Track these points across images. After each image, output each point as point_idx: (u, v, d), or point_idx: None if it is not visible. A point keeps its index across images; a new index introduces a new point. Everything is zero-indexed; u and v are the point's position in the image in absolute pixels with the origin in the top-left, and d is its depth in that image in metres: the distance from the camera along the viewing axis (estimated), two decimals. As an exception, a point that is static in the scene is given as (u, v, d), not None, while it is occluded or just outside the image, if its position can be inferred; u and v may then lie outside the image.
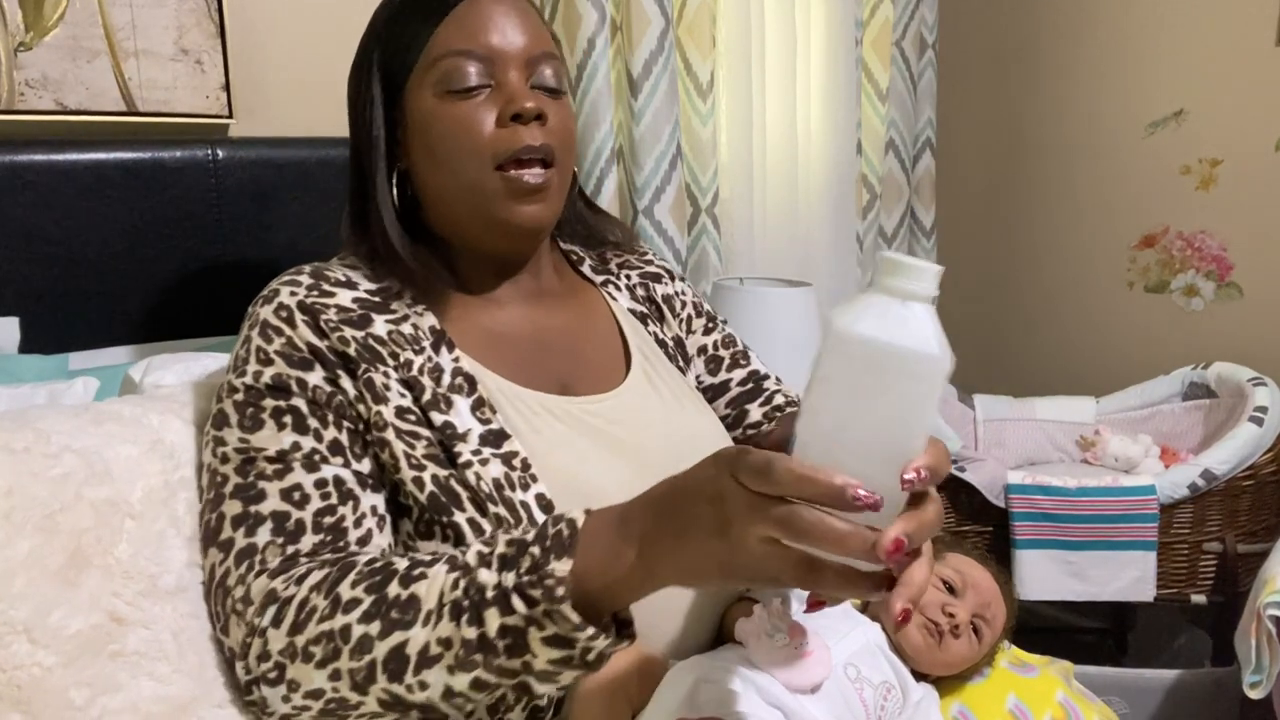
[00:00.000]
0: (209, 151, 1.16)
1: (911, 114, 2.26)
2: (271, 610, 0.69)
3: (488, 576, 0.63)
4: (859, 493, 0.51)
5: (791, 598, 1.03)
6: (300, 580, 0.70)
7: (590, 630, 0.61)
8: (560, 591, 0.60)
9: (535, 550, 0.62)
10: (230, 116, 1.25)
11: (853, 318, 0.53)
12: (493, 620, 0.62)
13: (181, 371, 0.97)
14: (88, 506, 0.75)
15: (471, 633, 0.62)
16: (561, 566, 0.61)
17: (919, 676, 1.00)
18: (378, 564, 0.70)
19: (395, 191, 0.87)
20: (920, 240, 2.35)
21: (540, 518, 0.76)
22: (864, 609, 1.08)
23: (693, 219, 1.77)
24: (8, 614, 0.69)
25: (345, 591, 0.67)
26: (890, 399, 0.54)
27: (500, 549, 0.64)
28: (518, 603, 0.61)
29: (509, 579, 0.62)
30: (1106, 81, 2.28)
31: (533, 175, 0.82)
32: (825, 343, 0.54)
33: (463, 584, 0.64)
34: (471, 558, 0.65)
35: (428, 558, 0.69)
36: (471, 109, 0.82)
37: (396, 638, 0.65)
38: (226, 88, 1.24)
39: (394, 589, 0.66)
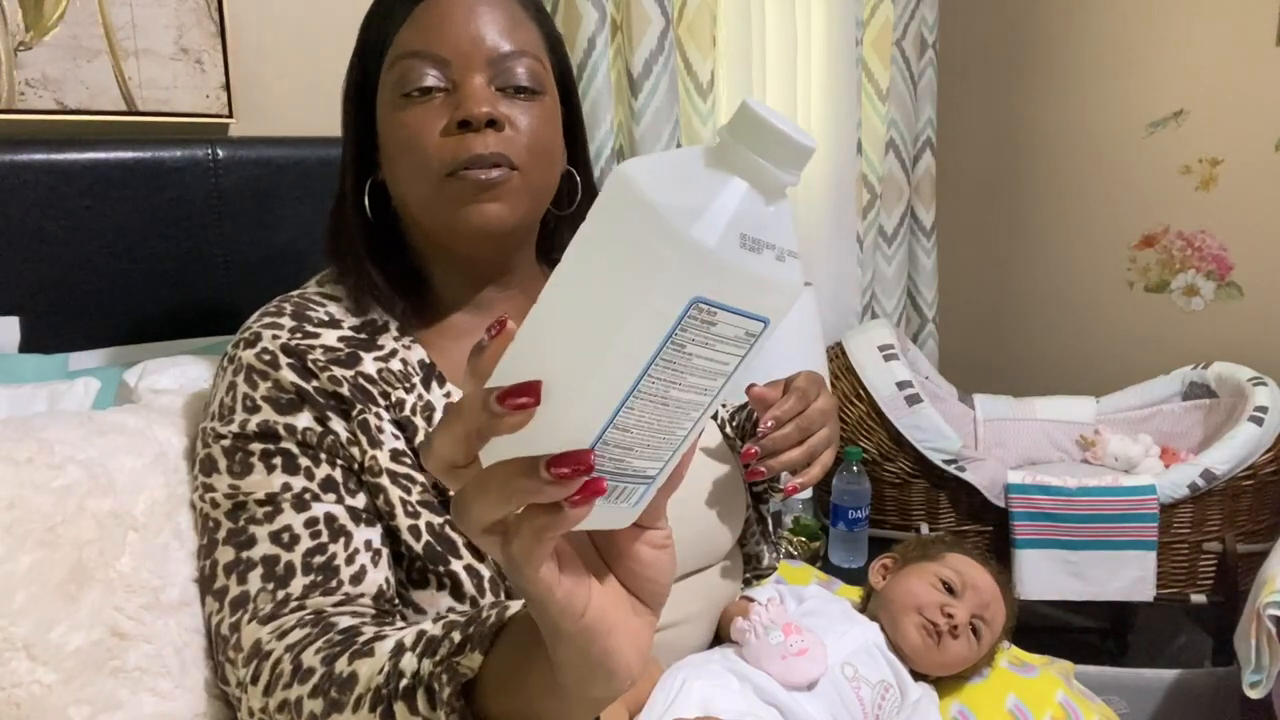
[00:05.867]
0: (209, 151, 1.16)
1: (911, 114, 2.26)
2: (254, 665, 0.67)
3: (408, 663, 0.56)
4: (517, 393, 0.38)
5: (788, 596, 1.04)
6: (283, 635, 0.67)
7: None
8: (447, 692, 0.52)
9: (456, 636, 0.54)
10: (230, 116, 1.25)
11: (714, 226, 0.36)
12: (401, 714, 0.55)
13: (178, 375, 0.97)
14: (90, 519, 0.75)
15: None
16: (470, 661, 0.52)
17: (918, 676, 1.00)
18: (351, 628, 0.66)
19: (368, 202, 0.84)
20: (920, 240, 2.35)
21: None
22: (863, 609, 1.08)
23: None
24: (8, 630, 0.68)
25: (307, 658, 0.64)
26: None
27: (432, 630, 0.57)
28: (422, 702, 0.53)
29: (426, 666, 0.55)
30: (1106, 81, 2.28)
31: (481, 174, 0.77)
32: (682, 246, 0.35)
33: (387, 668, 0.57)
34: (410, 637, 0.58)
35: (395, 628, 0.63)
36: (422, 115, 0.78)
37: None
38: (226, 87, 1.24)
39: (342, 664, 0.61)
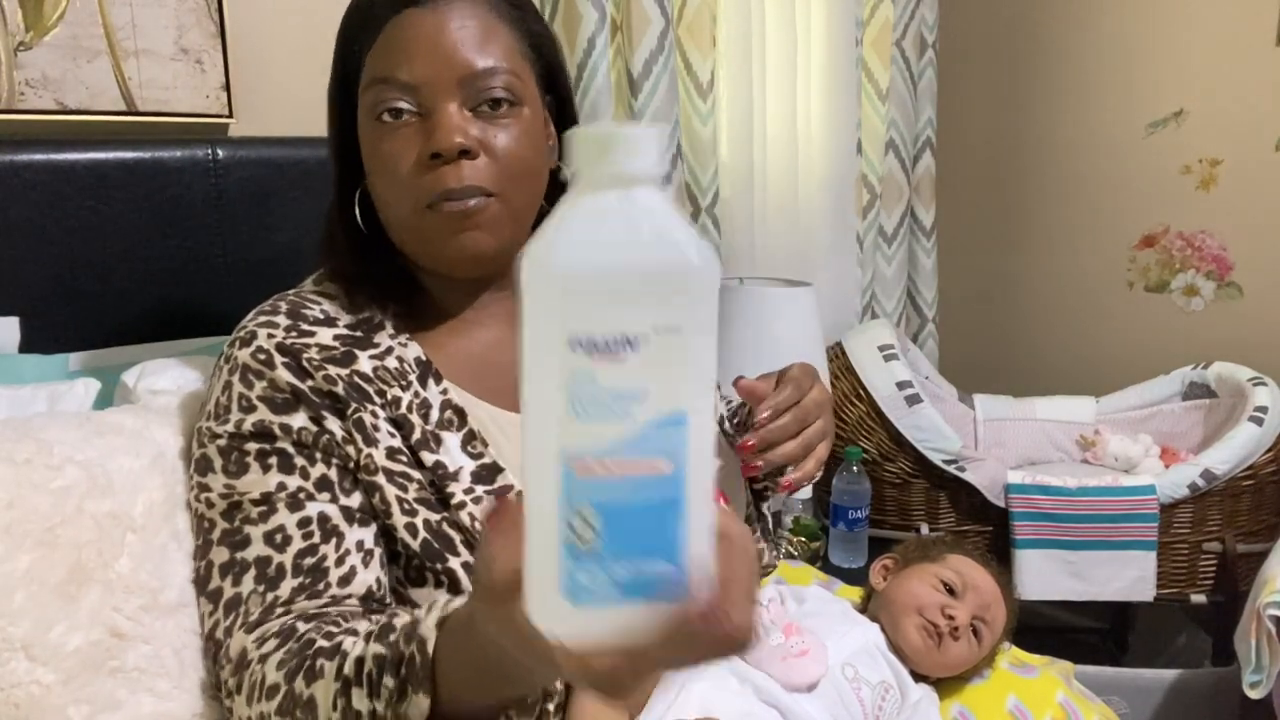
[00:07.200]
0: (209, 151, 1.16)
1: (911, 114, 2.26)
2: (239, 674, 0.68)
3: (361, 703, 0.60)
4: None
5: (788, 597, 1.04)
6: (261, 644, 0.68)
7: None
8: None
9: (390, 683, 0.58)
10: (230, 116, 1.25)
11: (561, 243, 0.37)
12: None
13: (176, 377, 0.96)
14: (89, 519, 0.75)
15: None
16: (417, 707, 0.57)
17: (919, 677, 1.00)
18: (304, 638, 0.66)
19: (358, 209, 0.84)
20: (920, 240, 2.35)
21: None
22: (864, 609, 1.08)
23: (693, 219, 1.77)
24: (7, 631, 0.68)
25: (270, 673, 0.65)
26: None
27: (369, 665, 0.60)
28: None
29: (379, 707, 0.59)
30: (1106, 81, 2.28)
31: (459, 205, 0.76)
32: (534, 297, 0.37)
33: (341, 705, 0.61)
34: (350, 669, 0.61)
35: (337, 638, 0.65)
36: (397, 143, 0.77)
37: None
38: (226, 88, 1.24)
39: (299, 685, 0.63)
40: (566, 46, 1.53)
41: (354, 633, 0.65)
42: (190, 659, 0.76)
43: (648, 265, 0.37)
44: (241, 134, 1.27)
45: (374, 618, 0.69)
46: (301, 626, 0.68)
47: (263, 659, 0.67)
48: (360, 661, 0.61)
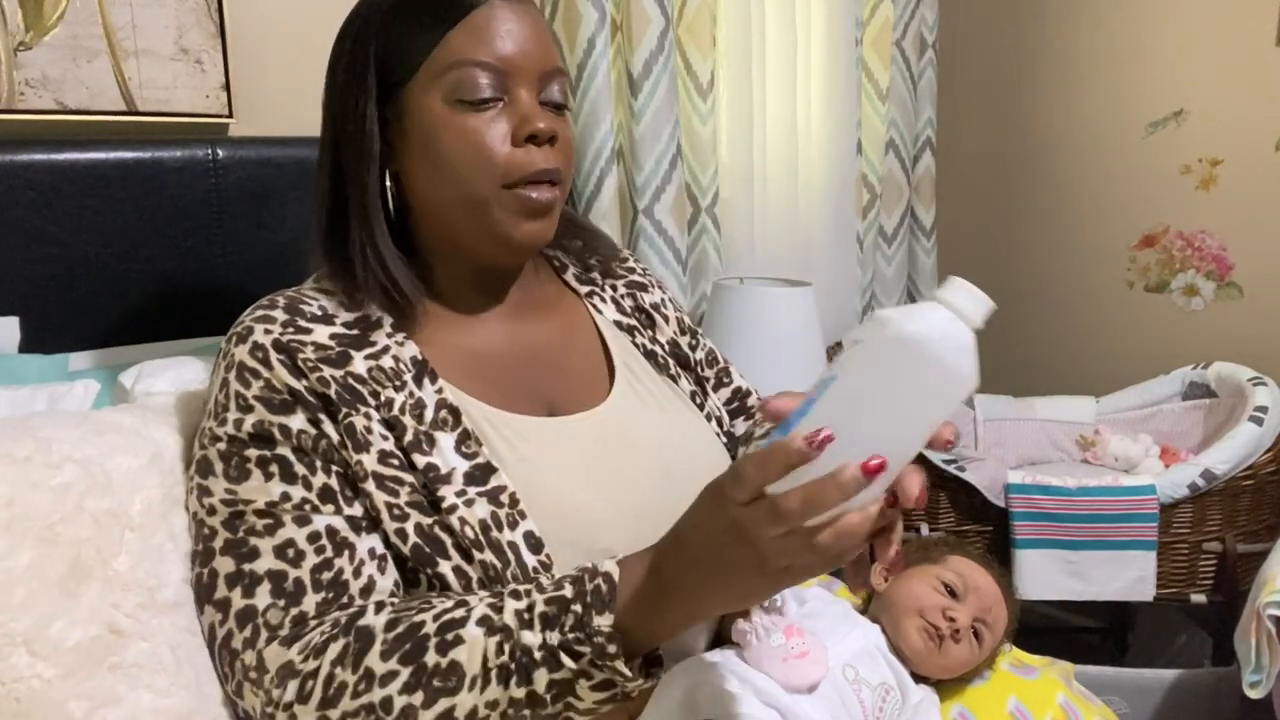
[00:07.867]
0: (209, 151, 1.16)
1: (911, 114, 2.26)
2: (293, 685, 0.68)
3: (532, 638, 0.66)
4: (817, 437, 0.56)
5: (789, 598, 1.03)
6: (319, 652, 0.69)
7: (636, 675, 0.66)
8: (612, 649, 0.64)
9: (577, 608, 0.66)
10: (230, 116, 1.25)
11: (921, 323, 0.62)
12: (541, 678, 0.66)
13: (174, 378, 0.96)
14: (88, 517, 0.75)
15: (520, 692, 0.66)
16: (605, 621, 0.65)
17: (919, 679, 1.00)
18: (401, 627, 0.69)
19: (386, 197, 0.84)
20: (920, 240, 2.35)
21: (528, 557, 0.75)
22: (864, 611, 1.08)
23: (693, 219, 1.77)
24: (8, 626, 0.68)
25: (377, 665, 0.67)
26: (918, 407, 0.63)
27: (541, 608, 0.67)
28: (566, 659, 0.65)
29: (553, 638, 0.65)
30: (1106, 81, 2.28)
31: (541, 194, 0.81)
32: (879, 336, 0.60)
33: (507, 648, 0.66)
34: (510, 619, 0.67)
35: (457, 612, 0.69)
36: (483, 123, 0.79)
37: (443, 705, 0.66)
38: (226, 88, 1.24)
39: (431, 658, 0.67)
40: (566, 46, 1.53)
41: (464, 604, 0.69)
42: (186, 657, 0.76)
43: (901, 340, 0.61)
44: (241, 134, 1.27)
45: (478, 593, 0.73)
46: (375, 620, 0.70)
47: (337, 661, 0.68)
48: (521, 612, 0.67)
